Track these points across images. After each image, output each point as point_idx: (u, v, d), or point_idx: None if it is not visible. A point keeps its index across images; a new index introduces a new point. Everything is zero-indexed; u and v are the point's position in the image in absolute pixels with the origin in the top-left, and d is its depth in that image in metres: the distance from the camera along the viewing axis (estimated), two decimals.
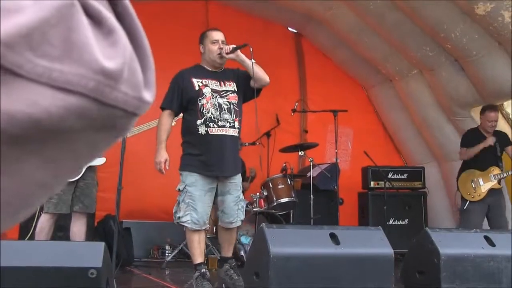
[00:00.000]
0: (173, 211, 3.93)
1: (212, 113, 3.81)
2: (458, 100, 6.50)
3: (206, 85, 3.90)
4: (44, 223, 4.09)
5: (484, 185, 5.57)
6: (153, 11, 7.00)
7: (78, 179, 4.11)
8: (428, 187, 6.92)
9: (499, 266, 3.30)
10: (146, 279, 4.88)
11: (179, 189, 3.88)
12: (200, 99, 3.83)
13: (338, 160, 5.86)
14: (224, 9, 7.50)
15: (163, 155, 3.80)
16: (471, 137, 5.79)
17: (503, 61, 5.78)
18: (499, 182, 5.58)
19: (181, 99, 3.89)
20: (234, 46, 3.95)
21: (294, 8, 7.01)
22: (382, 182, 6.61)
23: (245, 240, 5.60)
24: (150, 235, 6.71)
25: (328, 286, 3.02)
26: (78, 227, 4.22)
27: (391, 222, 6.66)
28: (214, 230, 5.79)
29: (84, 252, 2.98)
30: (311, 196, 5.81)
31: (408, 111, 7.41)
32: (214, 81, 3.95)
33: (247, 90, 4.03)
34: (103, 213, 5.87)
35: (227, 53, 3.90)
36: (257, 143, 6.79)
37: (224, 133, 3.83)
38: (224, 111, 3.86)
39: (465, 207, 5.65)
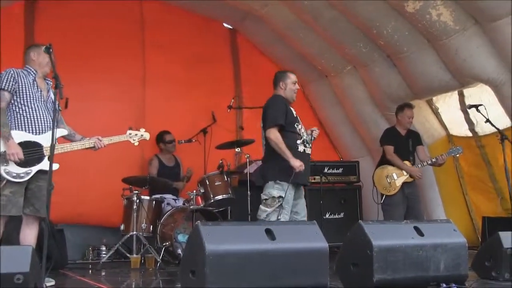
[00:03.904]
0: (261, 213, 4.63)
1: (305, 136, 4.77)
2: (390, 95, 6.67)
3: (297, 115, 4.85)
4: None
5: (398, 179, 5.98)
6: (87, 10, 6.75)
7: (29, 181, 3.88)
8: (363, 181, 7.07)
9: (427, 255, 3.42)
10: (80, 281, 4.74)
11: (279, 196, 4.55)
12: (297, 124, 4.74)
13: None
14: (158, 5, 7.34)
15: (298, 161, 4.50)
16: (391, 136, 6.21)
17: (432, 58, 5.98)
18: (411, 176, 5.97)
19: (285, 118, 4.65)
20: None
21: (230, 4, 6.97)
22: (318, 177, 6.69)
23: (182, 238, 5.53)
24: (85, 237, 6.54)
25: (264, 281, 3.02)
26: (28, 231, 3.98)
27: (327, 216, 6.77)
28: (151, 229, 5.70)
29: (10, 256, 2.85)
30: (249, 192, 5.81)
31: (343, 106, 7.54)
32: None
33: None
34: None
35: None
36: (194, 140, 6.73)
37: (309, 152, 4.83)
38: (307, 136, 4.81)
39: (383, 202, 6.04)
